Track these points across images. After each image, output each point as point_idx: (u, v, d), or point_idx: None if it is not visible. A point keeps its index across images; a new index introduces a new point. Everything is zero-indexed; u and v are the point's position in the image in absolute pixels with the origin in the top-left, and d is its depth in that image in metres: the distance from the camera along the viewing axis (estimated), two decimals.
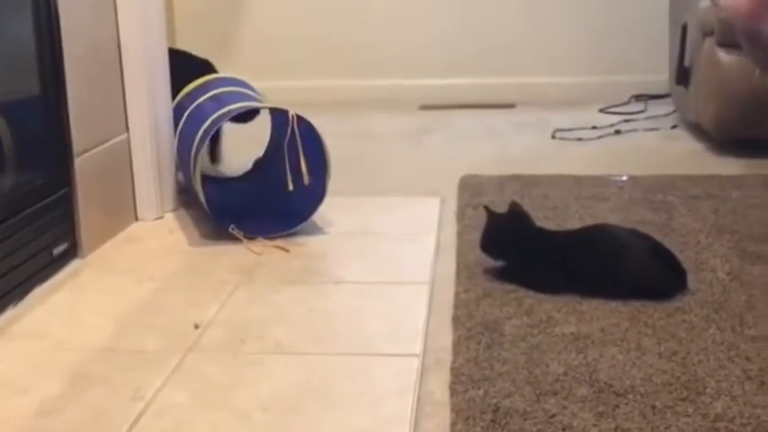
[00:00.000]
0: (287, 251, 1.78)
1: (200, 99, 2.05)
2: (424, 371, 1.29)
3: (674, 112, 2.95)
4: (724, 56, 2.44)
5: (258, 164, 2.13)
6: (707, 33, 2.51)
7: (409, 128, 3.00)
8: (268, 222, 1.87)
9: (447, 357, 1.32)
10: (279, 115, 1.94)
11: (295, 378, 1.27)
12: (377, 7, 3.48)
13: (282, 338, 1.40)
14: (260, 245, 1.80)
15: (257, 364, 1.32)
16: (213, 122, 1.88)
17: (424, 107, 3.34)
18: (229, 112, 1.89)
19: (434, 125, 3.03)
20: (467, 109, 3.28)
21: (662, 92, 3.16)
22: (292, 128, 1.85)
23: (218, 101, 2.01)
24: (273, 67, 3.44)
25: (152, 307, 1.54)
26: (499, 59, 3.47)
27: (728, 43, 2.38)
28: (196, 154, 1.84)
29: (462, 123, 3.07)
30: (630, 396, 1.17)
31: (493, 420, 1.13)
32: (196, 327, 1.43)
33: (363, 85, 3.46)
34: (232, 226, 1.82)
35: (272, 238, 1.82)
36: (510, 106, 3.32)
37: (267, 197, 1.98)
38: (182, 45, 3.46)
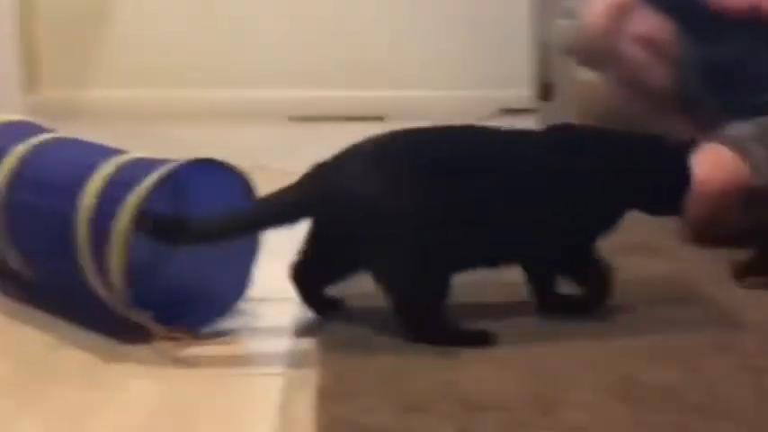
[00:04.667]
0: None
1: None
2: (288, 389, 1.28)
3: (539, 125, 3.03)
4: (584, 75, 2.51)
5: None
6: (567, 53, 2.59)
7: (278, 140, 2.97)
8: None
9: (312, 375, 1.30)
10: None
11: (153, 400, 1.23)
12: (243, 15, 3.45)
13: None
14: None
15: (114, 387, 1.27)
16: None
17: (294, 119, 3.33)
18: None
19: (305, 138, 3.02)
20: (336, 121, 3.28)
21: (528, 106, 3.24)
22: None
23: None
24: (137, 75, 3.35)
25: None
26: (369, 72, 3.49)
27: (588, 62, 2.46)
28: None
29: (333, 136, 3.05)
30: (492, 410, 1.19)
31: None
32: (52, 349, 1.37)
33: (230, 96, 3.42)
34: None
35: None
36: (379, 119, 3.34)
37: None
38: (45, 53, 3.34)
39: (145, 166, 1.41)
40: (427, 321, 1.40)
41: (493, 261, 1.47)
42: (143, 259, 1.53)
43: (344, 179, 1.38)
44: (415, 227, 1.36)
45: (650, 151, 1.48)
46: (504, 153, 1.45)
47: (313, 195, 1.39)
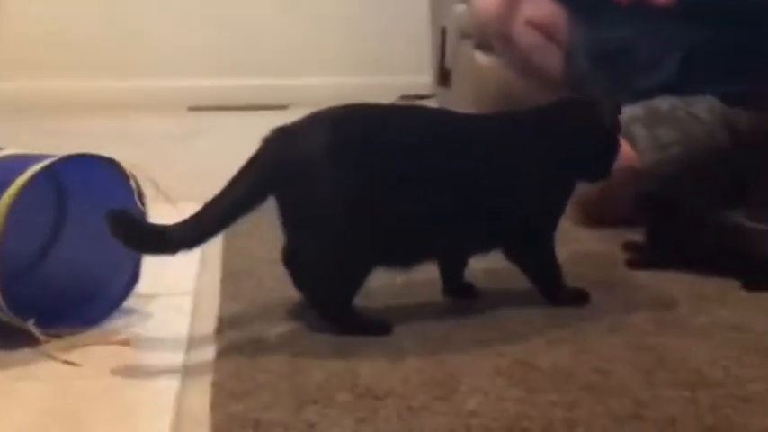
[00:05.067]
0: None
1: None
2: (184, 388, 1.25)
3: None
4: (481, 58, 2.55)
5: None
6: (464, 37, 2.62)
7: (177, 131, 2.92)
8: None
9: (208, 372, 1.29)
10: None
11: (44, 402, 1.20)
12: (140, 4, 3.38)
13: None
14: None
15: (2, 390, 1.23)
16: None
17: (193, 109, 3.27)
18: None
19: (204, 128, 2.97)
20: (238, 111, 3.24)
21: (428, 92, 3.27)
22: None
23: None
24: (28, 66, 3.24)
25: None
26: (271, 60, 3.46)
27: (484, 46, 2.49)
28: None
29: (234, 126, 3.03)
30: (389, 399, 1.19)
31: None
32: None
33: (127, 87, 3.34)
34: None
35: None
36: (283, 108, 3.31)
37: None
38: None
39: (19, 164, 1.35)
40: (340, 304, 1.40)
41: (433, 251, 1.47)
42: (20, 262, 1.48)
43: (300, 151, 1.37)
44: (358, 207, 1.35)
45: (585, 116, 1.49)
46: (457, 135, 1.44)
47: (272, 170, 1.37)
